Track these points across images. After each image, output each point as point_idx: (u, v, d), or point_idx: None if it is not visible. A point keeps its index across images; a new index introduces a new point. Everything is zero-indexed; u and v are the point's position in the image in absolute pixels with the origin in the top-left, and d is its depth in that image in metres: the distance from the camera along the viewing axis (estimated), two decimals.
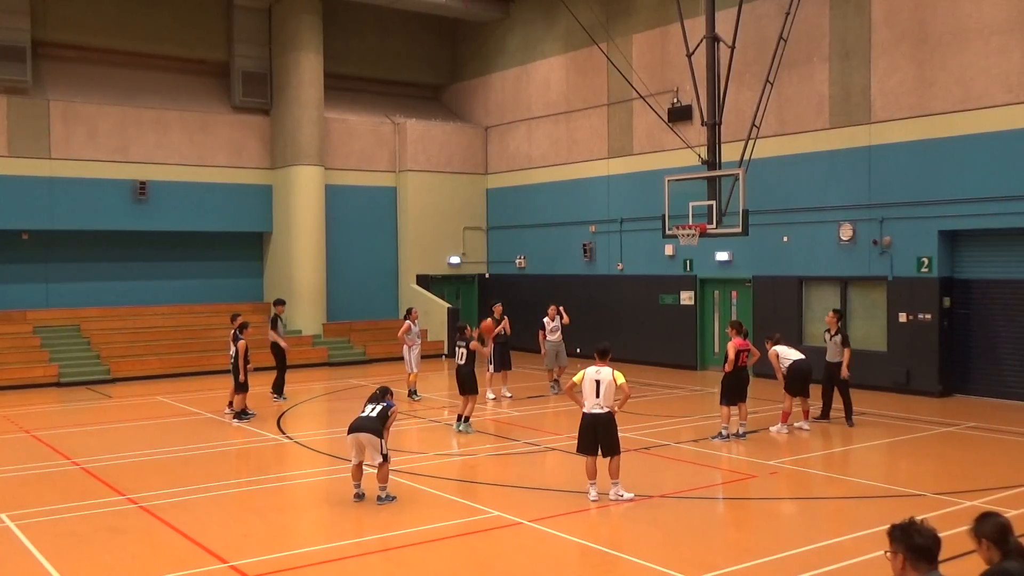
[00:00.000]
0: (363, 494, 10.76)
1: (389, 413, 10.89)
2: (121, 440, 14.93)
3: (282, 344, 18.64)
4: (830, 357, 15.53)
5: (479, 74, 29.81)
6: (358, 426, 10.71)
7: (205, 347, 23.79)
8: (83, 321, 23.93)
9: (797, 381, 14.96)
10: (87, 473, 12.48)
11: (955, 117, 17.71)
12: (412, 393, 18.54)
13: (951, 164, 17.81)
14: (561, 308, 19.54)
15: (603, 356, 10.85)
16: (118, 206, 24.37)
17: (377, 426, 10.66)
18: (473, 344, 15.37)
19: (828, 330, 15.76)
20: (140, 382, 21.91)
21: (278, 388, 18.78)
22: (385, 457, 10.66)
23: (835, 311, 16.06)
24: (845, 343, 15.40)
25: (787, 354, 15.14)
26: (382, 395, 11.20)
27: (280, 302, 19.77)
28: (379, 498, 10.65)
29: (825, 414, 15.74)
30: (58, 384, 21.31)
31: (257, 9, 26.70)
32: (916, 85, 18.30)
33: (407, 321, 18.65)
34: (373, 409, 10.86)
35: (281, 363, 18.80)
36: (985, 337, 18.01)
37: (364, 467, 10.82)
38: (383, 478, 10.69)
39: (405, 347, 18.69)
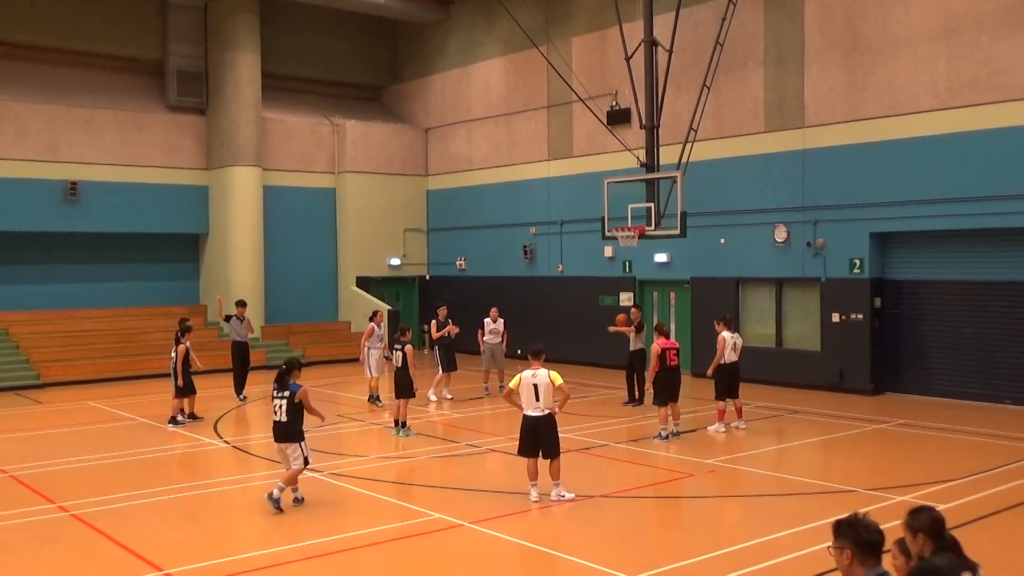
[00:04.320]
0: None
1: (297, 400, 10.40)
2: (52, 447, 14.55)
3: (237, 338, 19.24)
4: (633, 346, 17.59)
5: (419, 75, 29.72)
6: (276, 435, 10.51)
7: (139, 351, 23.32)
8: (11, 325, 23.28)
9: (724, 383, 15.11)
10: (16, 481, 12.14)
11: (885, 122, 18.15)
12: (374, 399, 18.17)
13: (881, 168, 18.26)
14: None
15: (537, 357, 10.87)
16: (48, 207, 23.76)
17: (291, 431, 10.36)
18: (408, 348, 15.12)
19: (632, 320, 17.72)
20: (71, 387, 21.38)
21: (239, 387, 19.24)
22: (305, 462, 10.42)
23: (636, 306, 18.83)
24: (640, 330, 17.65)
25: (725, 350, 15.06)
26: (287, 372, 10.64)
27: (240, 303, 19.76)
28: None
29: (632, 398, 17.75)
30: None
31: (192, 7, 26.27)
32: (848, 91, 18.72)
33: (371, 324, 18.04)
34: (280, 406, 10.42)
35: (241, 362, 19.17)
36: (914, 336, 18.49)
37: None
38: (290, 480, 10.41)
39: (366, 351, 17.96)
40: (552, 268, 25.20)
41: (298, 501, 10.59)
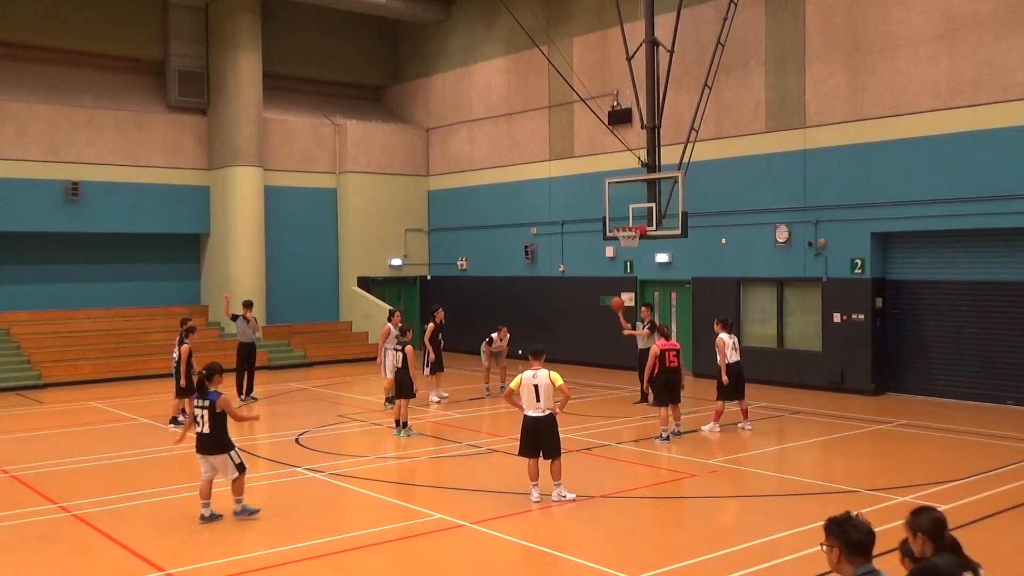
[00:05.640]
0: (213, 515, 10.02)
1: (219, 410, 9.87)
2: (53, 447, 14.56)
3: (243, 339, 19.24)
4: (642, 345, 17.30)
5: (420, 75, 29.72)
6: (201, 448, 9.98)
7: (140, 351, 23.33)
8: (13, 325, 23.29)
9: (730, 383, 15.04)
10: (17, 481, 12.14)
11: (886, 122, 18.14)
12: (388, 400, 17.76)
13: (883, 168, 18.24)
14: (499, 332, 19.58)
15: (537, 357, 10.84)
16: (49, 207, 23.78)
17: (217, 441, 9.89)
18: (408, 348, 15.10)
19: (642, 320, 17.79)
20: (72, 387, 21.39)
21: (248, 388, 19.19)
22: (240, 468, 9.99)
23: (647, 305, 18.58)
24: (652, 330, 16.95)
25: (726, 351, 15.05)
26: (207, 379, 10.00)
27: (246, 304, 19.74)
28: (235, 512, 10.08)
29: (644, 397, 17.47)
30: None
31: (193, 7, 26.27)
32: (849, 90, 18.70)
33: (387, 325, 17.60)
34: (203, 416, 9.87)
35: (246, 363, 19.16)
36: (915, 337, 18.47)
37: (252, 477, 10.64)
38: (237, 491, 10.10)
39: (383, 353, 17.53)
40: (553, 268, 25.19)
41: (246, 512, 10.13)
